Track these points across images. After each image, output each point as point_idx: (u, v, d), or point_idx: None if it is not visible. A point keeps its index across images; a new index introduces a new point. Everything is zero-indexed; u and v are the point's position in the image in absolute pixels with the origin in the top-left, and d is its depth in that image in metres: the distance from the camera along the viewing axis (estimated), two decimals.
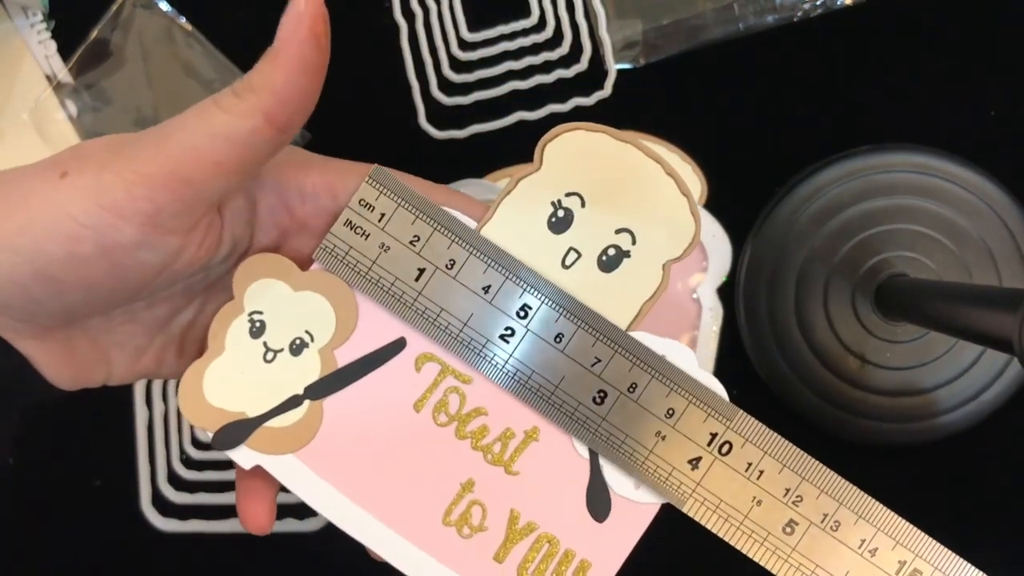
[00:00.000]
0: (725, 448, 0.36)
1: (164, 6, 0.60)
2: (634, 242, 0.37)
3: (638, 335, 0.37)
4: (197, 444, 0.62)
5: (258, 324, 0.38)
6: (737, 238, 0.60)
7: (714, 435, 0.36)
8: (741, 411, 0.37)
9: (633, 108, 0.61)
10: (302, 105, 0.34)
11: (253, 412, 0.37)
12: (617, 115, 0.61)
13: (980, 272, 0.57)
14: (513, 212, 0.37)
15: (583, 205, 0.37)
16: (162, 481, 0.61)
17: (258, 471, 0.38)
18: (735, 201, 0.60)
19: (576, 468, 0.37)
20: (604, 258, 0.37)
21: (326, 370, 0.38)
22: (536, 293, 0.37)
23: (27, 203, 0.32)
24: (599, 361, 0.37)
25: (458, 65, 0.61)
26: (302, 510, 0.61)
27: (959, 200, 0.58)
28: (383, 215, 0.37)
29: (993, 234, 0.57)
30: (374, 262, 0.37)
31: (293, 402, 0.38)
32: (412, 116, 0.61)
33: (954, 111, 0.60)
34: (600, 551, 0.37)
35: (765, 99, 0.61)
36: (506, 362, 0.37)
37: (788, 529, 0.36)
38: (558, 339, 0.37)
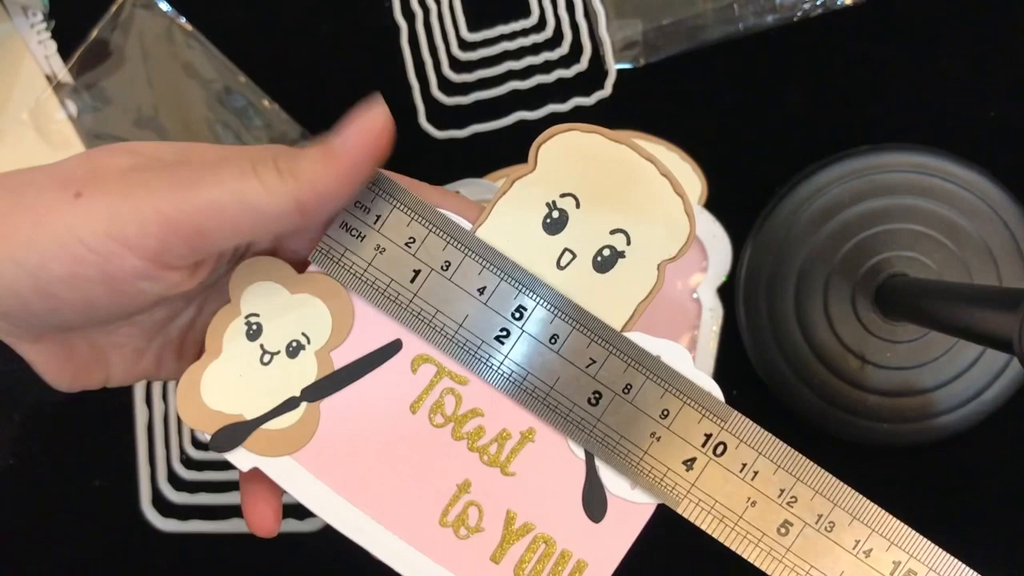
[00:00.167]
0: (720, 449, 0.36)
1: (164, 6, 0.60)
2: (629, 243, 0.37)
3: (634, 336, 0.37)
4: (197, 444, 0.62)
5: (255, 327, 0.38)
6: (737, 238, 0.60)
7: (708, 436, 0.36)
8: (736, 412, 0.37)
9: (633, 108, 0.61)
10: (337, 203, 0.35)
11: (250, 414, 0.38)
12: (617, 115, 0.61)
13: (980, 272, 0.57)
14: (508, 213, 0.37)
15: (578, 206, 0.37)
16: (162, 481, 0.61)
17: (262, 474, 0.38)
18: (735, 201, 0.60)
19: (572, 469, 0.38)
20: (599, 259, 0.37)
21: (323, 372, 0.38)
22: (531, 294, 0.37)
23: (36, 218, 0.31)
24: (594, 362, 0.37)
25: (458, 65, 0.61)
26: (302, 510, 0.60)
27: (959, 200, 0.58)
28: (379, 217, 0.37)
29: (993, 234, 0.57)
30: (370, 264, 0.37)
31: (290, 404, 0.38)
32: (412, 116, 0.62)
33: (954, 111, 0.60)
34: (596, 551, 0.37)
35: (765, 99, 0.61)
36: (501, 363, 0.37)
37: (783, 530, 0.36)
38: (553, 340, 0.37)
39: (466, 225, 0.37)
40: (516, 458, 0.37)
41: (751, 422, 0.37)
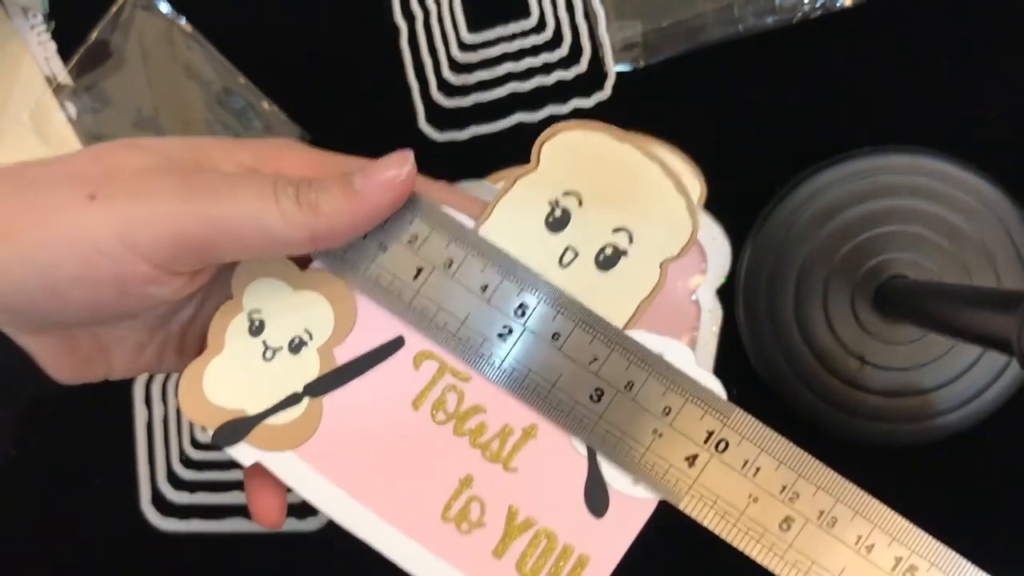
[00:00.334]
0: (722, 445, 0.37)
1: (164, 7, 0.60)
2: (631, 241, 0.37)
3: (636, 334, 0.37)
4: (197, 444, 0.62)
5: (257, 322, 0.38)
6: (737, 238, 0.60)
7: (711, 432, 0.37)
8: (738, 408, 0.37)
9: (633, 109, 0.61)
10: (348, 239, 0.35)
11: (253, 410, 0.38)
12: (617, 116, 0.61)
13: (979, 274, 0.57)
14: (511, 211, 0.37)
15: (580, 204, 0.37)
16: (162, 481, 0.61)
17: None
18: (735, 201, 0.60)
19: (574, 464, 0.38)
20: (601, 257, 0.37)
21: (325, 368, 0.38)
22: (534, 292, 0.37)
23: (49, 218, 0.32)
24: (596, 359, 0.37)
25: (458, 67, 0.61)
26: (302, 510, 0.61)
27: (959, 202, 0.58)
28: None
29: (992, 236, 0.57)
30: (372, 261, 0.37)
31: (292, 400, 0.38)
32: (412, 118, 0.62)
33: (954, 111, 0.60)
34: (598, 546, 0.38)
35: (765, 100, 0.61)
36: (503, 360, 0.37)
37: (785, 526, 0.36)
38: (555, 337, 0.37)
39: (469, 223, 0.37)
40: (518, 454, 0.38)
41: (753, 419, 0.37)
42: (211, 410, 0.38)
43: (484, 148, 0.62)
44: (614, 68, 0.61)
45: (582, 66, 0.61)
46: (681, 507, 0.37)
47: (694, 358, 0.37)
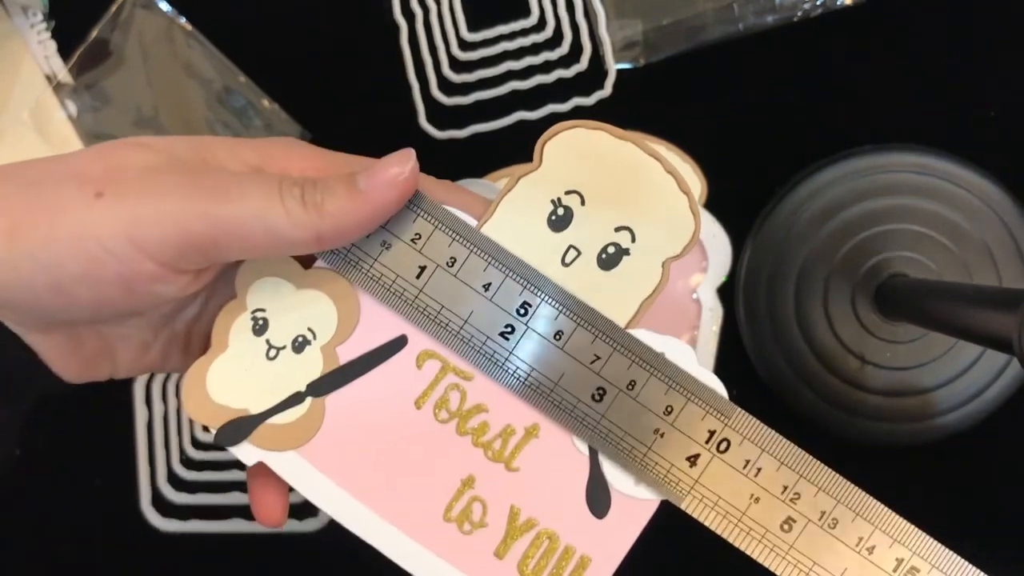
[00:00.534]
0: (723, 445, 0.37)
1: (164, 6, 0.60)
2: (634, 240, 0.37)
3: (638, 333, 0.37)
4: (197, 444, 0.62)
5: (261, 322, 0.38)
6: (737, 238, 0.60)
7: (712, 432, 0.37)
8: (739, 409, 0.37)
9: (633, 108, 0.61)
10: (353, 238, 0.36)
11: (256, 409, 0.38)
12: (617, 115, 0.61)
13: (980, 272, 0.57)
14: (513, 210, 0.37)
15: (583, 203, 0.37)
16: (162, 481, 0.61)
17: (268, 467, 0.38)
18: (735, 201, 0.60)
19: (576, 464, 0.38)
20: (604, 256, 0.37)
21: (328, 367, 0.38)
22: (536, 291, 0.37)
23: (55, 216, 0.32)
24: (598, 359, 0.37)
25: (458, 65, 0.61)
26: (302, 511, 0.61)
27: (959, 200, 0.58)
28: None
29: (993, 234, 0.57)
30: (375, 260, 0.37)
31: (295, 399, 0.38)
32: (412, 116, 0.62)
33: (954, 111, 0.60)
34: (600, 547, 0.38)
35: (765, 99, 0.61)
36: (506, 360, 0.37)
37: (786, 526, 0.36)
38: (558, 336, 0.37)
39: (471, 221, 0.37)
40: (520, 454, 0.38)
41: (754, 419, 0.37)
42: (214, 409, 0.38)
43: (484, 146, 0.62)
44: (614, 67, 0.61)
45: (582, 64, 0.61)
46: (683, 507, 0.37)
47: (696, 357, 0.37)
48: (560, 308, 0.37)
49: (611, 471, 0.37)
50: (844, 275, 0.57)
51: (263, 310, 0.38)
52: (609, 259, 0.37)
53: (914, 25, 0.60)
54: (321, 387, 0.38)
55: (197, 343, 0.40)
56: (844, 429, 0.58)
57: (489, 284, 0.37)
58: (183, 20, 0.61)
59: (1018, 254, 0.57)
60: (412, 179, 0.35)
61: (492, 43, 0.61)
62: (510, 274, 0.37)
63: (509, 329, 0.37)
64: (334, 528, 0.38)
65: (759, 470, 0.36)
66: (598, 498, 0.37)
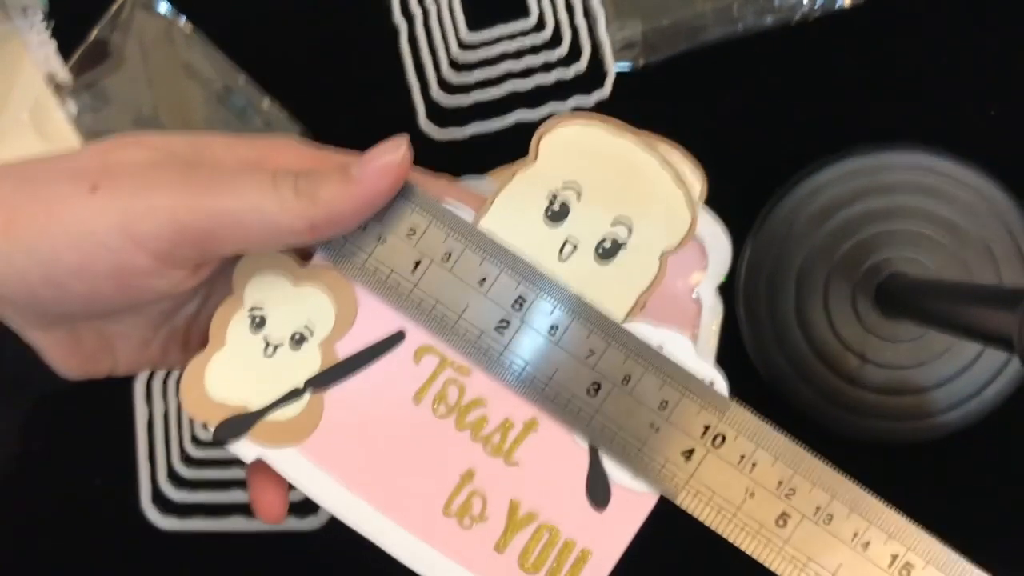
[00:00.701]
0: (718, 440, 0.37)
1: (164, 6, 0.60)
2: (631, 233, 0.37)
3: (635, 325, 0.37)
4: (197, 442, 0.62)
5: (258, 318, 0.38)
6: (737, 237, 0.60)
7: (707, 427, 0.37)
8: (734, 403, 0.37)
9: (632, 109, 0.61)
10: (349, 227, 0.36)
11: (254, 405, 0.38)
12: (617, 115, 0.60)
13: (980, 271, 0.57)
14: (509, 204, 0.37)
15: (579, 197, 0.37)
16: (162, 479, 0.61)
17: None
18: (735, 201, 0.60)
19: (575, 457, 0.38)
20: (601, 249, 0.37)
21: (326, 363, 0.38)
22: (531, 285, 0.37)
23: (51, 210, 0.32)
24: (593, 353, 0.37)
25: (458, 66, 0.62)
26: (303, 508, 0.61)
27: (959, 200, 0.58)
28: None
29: (993, 233, 0.57)
30: (371, 254, 0.37)
31: (294, 395, 0.38)
32: (412, 116, 0.62)
33: (954, 111, 0.60)
34: (600, 540, 0.38)
35: (765, 99, 0.61)
36: (500, 354, 0.37)
37: (781, 522, 0.36)
38: (553, 331, 0.37)
39: (467, 216, 0.37)
40: (519, 448, 0.38)
41: (750, 414, 0.37)
42: (212, 406, 0.38)
43: (484, 147, 0.62)
44: (614, 67, 0.61)
45: (582, 65, 0.61)
46: (678, 502, 0.37)
47: (694, 349, 0.37)
48: (555, 303, 0.37)
49: (611, 464, 0.37)
50: (844, 274, 0.57)
51: (261, 306, 0.38)
52: (606, 252, 0.37)
53: (914, 25, 0.60)
54: (319, 383, 0.38)
55: (197, 340, 0.40)
56: (844, 427, 0.58)
57: (484, 279, 0.37)
58: (183, 20, 0.61)
59: (1018, 253, 0.57)
60: (404, 166, 0.35)
61: (492, 44, 0.61)
62: (505, 269, 0.37)
63: (504, 324, 0.37)
64: (335, 526, 0.38)
65: (754, 465, 0.37)
66: (598, 490, 0.37)
